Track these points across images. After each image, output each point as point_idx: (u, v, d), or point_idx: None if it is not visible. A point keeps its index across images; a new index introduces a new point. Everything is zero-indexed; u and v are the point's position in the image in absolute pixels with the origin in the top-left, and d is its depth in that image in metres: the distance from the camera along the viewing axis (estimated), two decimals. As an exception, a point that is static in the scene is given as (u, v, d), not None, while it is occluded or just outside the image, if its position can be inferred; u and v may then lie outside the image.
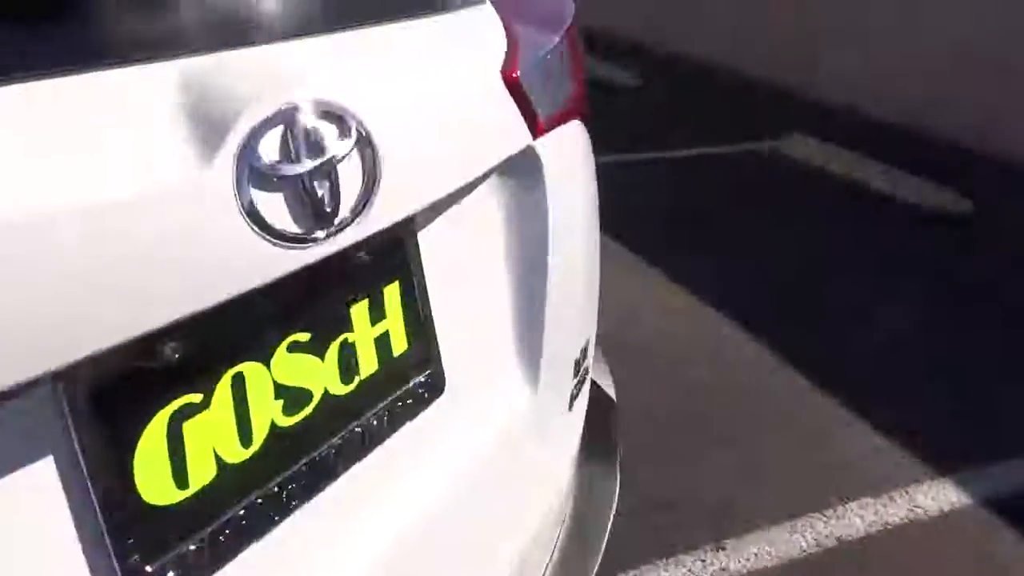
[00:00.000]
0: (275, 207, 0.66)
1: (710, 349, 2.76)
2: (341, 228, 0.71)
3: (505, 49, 1.05)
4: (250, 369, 0.73)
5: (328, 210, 0.69)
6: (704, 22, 6.84)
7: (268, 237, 0.65)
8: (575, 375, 1.26)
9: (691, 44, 6.93)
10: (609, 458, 1.44)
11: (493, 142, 0.99)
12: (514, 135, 1.03)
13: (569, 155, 1.21)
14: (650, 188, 4.20)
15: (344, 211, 0.71)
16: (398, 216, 0.80)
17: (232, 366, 0.72)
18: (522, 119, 1.04)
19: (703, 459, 2.24)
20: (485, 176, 1.02)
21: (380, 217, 0.77)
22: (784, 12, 6.08)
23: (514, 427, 1.07)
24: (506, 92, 1.01)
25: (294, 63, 0.72)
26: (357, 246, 0.83)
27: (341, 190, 0.70)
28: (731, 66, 6.47)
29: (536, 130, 1.07)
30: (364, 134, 0.73)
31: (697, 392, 2.52)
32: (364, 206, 0.74)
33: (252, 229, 0.64)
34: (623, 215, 3.74)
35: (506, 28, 1.12)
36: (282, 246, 0.66)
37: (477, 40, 1.04)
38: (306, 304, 0.79)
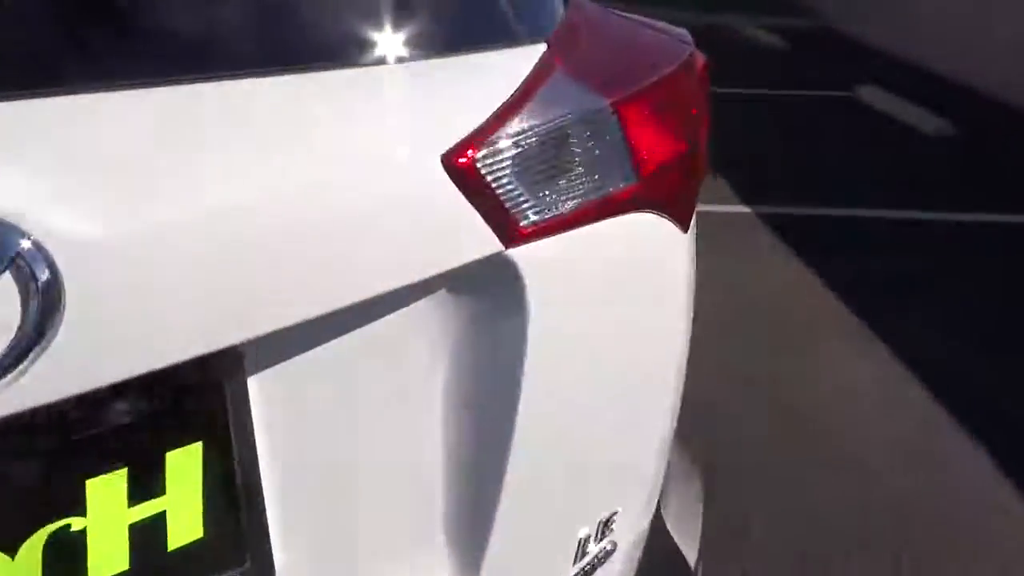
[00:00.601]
0: None
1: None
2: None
3: (484, 120, 0.74)
4: None
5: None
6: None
7: None
8: (577, 559, 0.92)
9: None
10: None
11: (403, 254, 0.69)
12: (460, 242, 0.72)
13: (609, 263, 0.86)
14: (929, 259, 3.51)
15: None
16: (113, 376, 0.53)
17: None
18: (481, 219, 0.73)
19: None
20: (405, 296, 0.72)
21: (68, 379, 0.51)
22: None
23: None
24: (449, 182, 0.70)
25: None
26: (110, 397, 0.58)
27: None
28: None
29: (513, 234, 0.75)
30: (29, 260, 0.48)
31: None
32: (13, 366, 0.48)
33: None
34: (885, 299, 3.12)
35: (533, 82, 0.81)
36: None
37: (440, 105, 0.74)
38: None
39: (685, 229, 0.99)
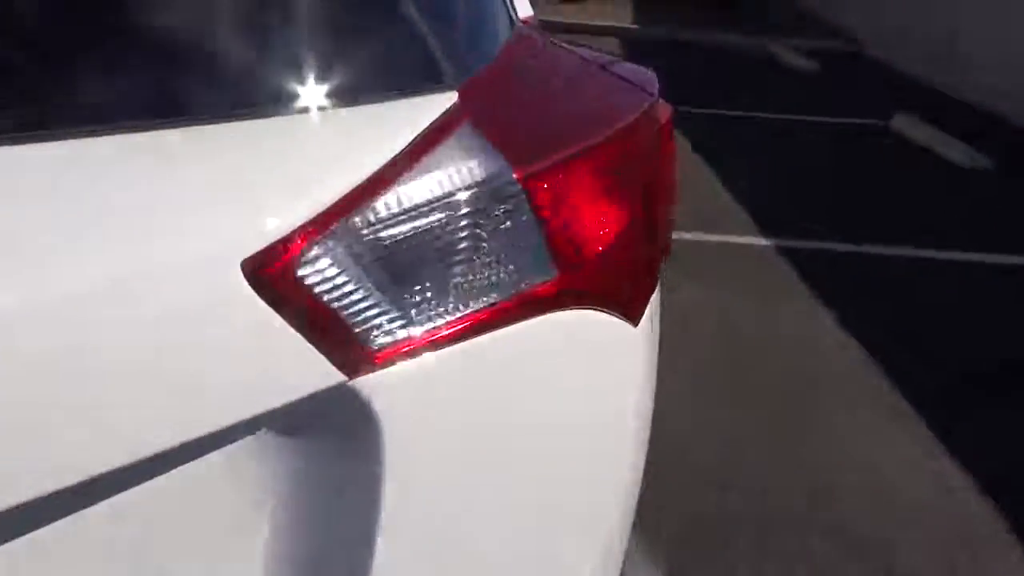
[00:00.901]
0: None
1: None
2: None
3: (327, 203, 0.55)
4: None
5: None
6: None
7: None
8: None
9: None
10: None
11: (194, 396, 0.50)
12: (279, 374, 0.53)
13: (521, 380, 0.67)
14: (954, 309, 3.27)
15: None
16: None
17: None
18: (308, 344, 0.53)
19: None
20: (209, 442, 0.53)
21: None
22: None
23: None
24: (255, 297, 0.51)
25: None
26: None
27: None
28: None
29: (360, 359, 0.55)
30: None
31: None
32: None
33: None
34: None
35: (421, 145, 0.61)
36: None
37: (272, 182, 0.55)
38: None
39: (636, 321, 0.78)
